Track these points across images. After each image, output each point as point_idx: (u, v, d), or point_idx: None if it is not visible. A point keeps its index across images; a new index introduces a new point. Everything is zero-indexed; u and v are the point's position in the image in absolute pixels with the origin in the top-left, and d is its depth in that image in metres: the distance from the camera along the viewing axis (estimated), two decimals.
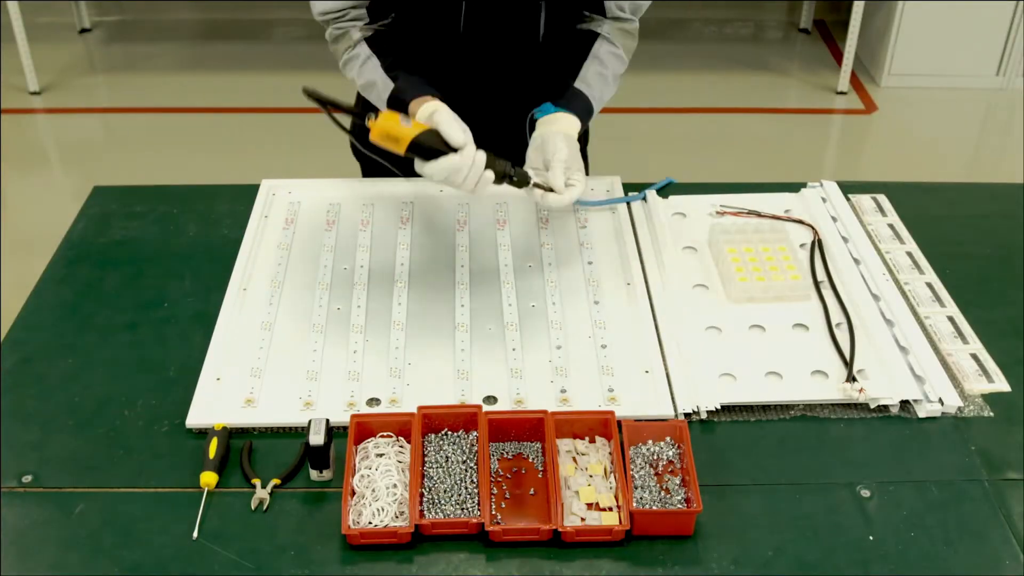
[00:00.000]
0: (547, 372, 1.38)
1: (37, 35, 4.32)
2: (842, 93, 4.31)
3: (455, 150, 1.32)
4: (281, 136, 3.93)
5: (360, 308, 1.49)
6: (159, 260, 1.61)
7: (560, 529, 1.13)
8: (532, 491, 1.20)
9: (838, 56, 4.45)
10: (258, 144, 3.91)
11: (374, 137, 1.31)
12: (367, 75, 1.57)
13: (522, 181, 1.42)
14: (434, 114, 1.35)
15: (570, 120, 1.55)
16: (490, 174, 1.36)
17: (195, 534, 1.15)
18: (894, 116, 4.21)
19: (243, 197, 1.74)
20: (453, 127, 1.33)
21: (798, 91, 4.42)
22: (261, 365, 1.39)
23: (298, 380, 1.36)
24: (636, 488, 1.20)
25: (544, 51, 1.63)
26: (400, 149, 1.31)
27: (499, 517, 1.17)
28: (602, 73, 1.63)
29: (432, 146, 1.31)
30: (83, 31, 4.78)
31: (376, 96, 1.56)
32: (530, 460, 1.24)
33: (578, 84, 1.61)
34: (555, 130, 1.53)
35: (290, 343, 1.43)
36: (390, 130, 1.30)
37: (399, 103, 1.47)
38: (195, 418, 1.30)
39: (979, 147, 4.09)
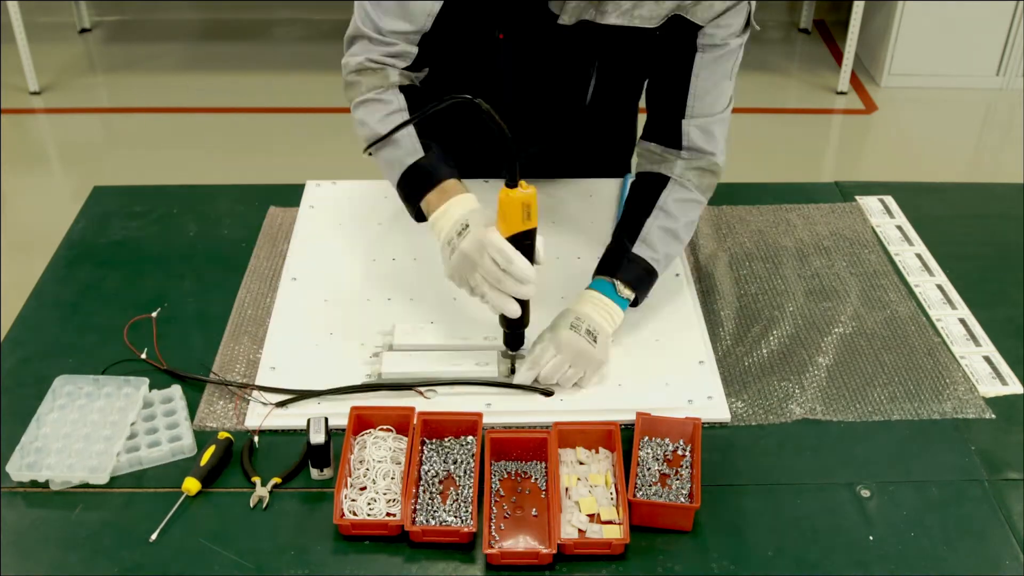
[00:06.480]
0: None
1: (37, 35, 4.32)
2: (842, 93, 4.31)
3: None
4: (281, 136, 3.93)
5: (411, 301, 1.50)
6: (159, 260, 1.61)
7: (559, 541, 1.12)
8: (534, 511, 1.19)
9: (838, 56, 4.45)
10: (258, 144, 3.91)
11: (512, 205, 1.24)
12: (391, 128, 1.37)
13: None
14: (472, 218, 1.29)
15: (597, 304, 1.37)
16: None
17: (154, 536, 1.15)
18: (894, 116, 4.21)
19: (243, 197, 1.74)
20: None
21: (798, 91, 4.41)
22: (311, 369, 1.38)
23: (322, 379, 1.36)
24: (642, 476, 1.20)
25: (591, 115, 1.56)
26: (533, 224, 1.26)
27: (497, 539, 1.15)
28: (668, 228, 1.42)
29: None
30: (83, 31, 4.78)
31: (389, 154, 1.38)
32: (533, 480, 1.23)
33: (637, 248, 1.40)
34: (562, 322, 1.34)
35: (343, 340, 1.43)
36: (532, 208, 1.25)
37: (420, 175, 1.35)
38: (252, 420, 1.30)
39: (979, 147, 4.09)
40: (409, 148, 1.37)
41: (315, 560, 1.13)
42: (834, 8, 4.91)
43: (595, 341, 1.33)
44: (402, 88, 1.41)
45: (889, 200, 1.77)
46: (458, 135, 1.49)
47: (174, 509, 1.18)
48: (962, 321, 1.49)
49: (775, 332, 1.46)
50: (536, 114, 1.55)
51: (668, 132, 1.44)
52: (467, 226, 1.29)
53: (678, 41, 1.38)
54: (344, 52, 1.44)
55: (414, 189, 1.36)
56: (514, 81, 1.51)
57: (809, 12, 4.85)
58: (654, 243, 1.41)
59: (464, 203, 1.33)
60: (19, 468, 1.21)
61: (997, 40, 4.26)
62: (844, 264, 1.61)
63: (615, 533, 1.14)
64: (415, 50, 1.41)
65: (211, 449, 1.23)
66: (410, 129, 1.37)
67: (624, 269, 1.39)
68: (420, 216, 1.38)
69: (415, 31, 1.39)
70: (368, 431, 1.26)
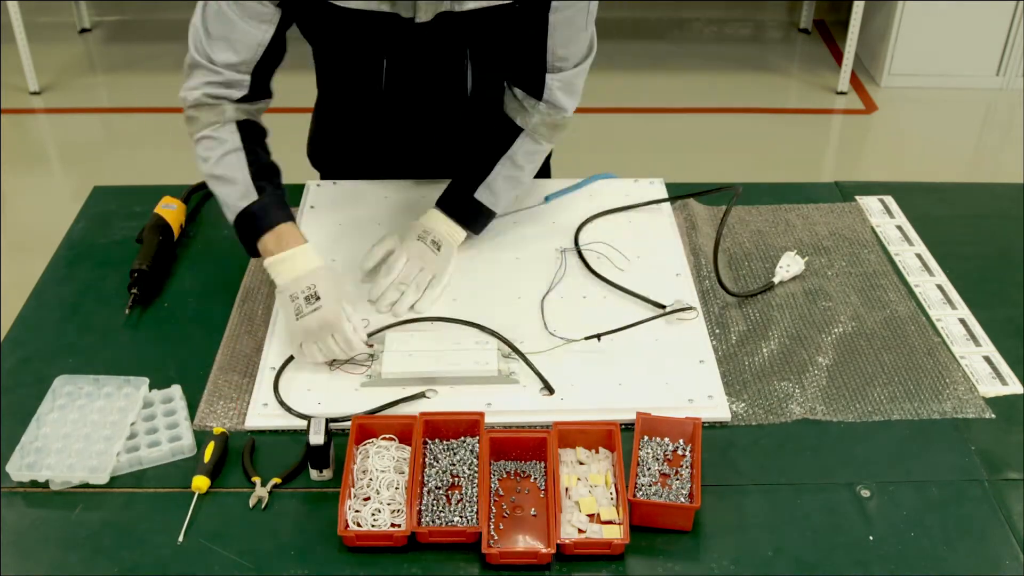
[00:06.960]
0: (598, 364, 1.38)
1: (37, 35, 4.32)
2: (842, 93, 4.31)
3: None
4: (281, 136, 3.93)
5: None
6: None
7: (558, 541, 1.12)
8: (533, 511, 1.19)
9: (838, 56, 4.45)
10: None
11: None
12: (227, 170, 1.41)
13: None
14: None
15: (440, 221, 1.53)
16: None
17: (180, 538, 1.15)
18: (894, 116, 4.21)
19: None
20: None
21: (798, 91, 4.41)
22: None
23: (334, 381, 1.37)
24: (642, 476, 1.20)
25: (473, 104, 1.57)
26: None
27: (496, 538, 1.15)
28: (513, 176, 1.53)
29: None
30: (83, 31, 4.78)
31: (226, 195, 1.40)
32: (533, 480, 1.23)
33: (480, 193, 1.52)
34: (413, 234, 1.50)
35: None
36: None
37: (254, 218, 1.38)
38: (253, 420, 1.30)
39: (979, 147, 4.09)
40: (243, 190, 1.39)
41: (315, 560, 1.13)
42: (834, 8, 4.91)
43: (439, 250, 1.49)
44: (239, 123, 1.45)
45: (889, 200, 1.77)
46: (369, 135, 1.63)
47: (191, 509, 1.18)
48: (962, 321, 1.49)
49: (775, 332, 1.46)
50: (421, 113, 1.61)
51: (532, 81, 1.48)
52: (316, 295, 1.32)
53: (534, 5, 1.40)
54: (184, 79, 1.48)
55: (248, 231, 1.39)
56: (392, 85, 1.55)
57: (809, 12, 4.85)
58: (498, 191, 1.53)
59: (306, 258, 1.36)
60: (19, 468, 1.21)
61: (997, 40, 4.26)
62: (844, 264, 1.61)
63: (615, 533, 1.14)
64: (247, 79, 1.45)
65: (211, 445, 1.24)
66: (245, 168, 1.40)
67: (464, 212, 1.53)
68: (255, 252, 1.41)
69: (243, 62, 1.43)
70: (370, 440, 1.26)
